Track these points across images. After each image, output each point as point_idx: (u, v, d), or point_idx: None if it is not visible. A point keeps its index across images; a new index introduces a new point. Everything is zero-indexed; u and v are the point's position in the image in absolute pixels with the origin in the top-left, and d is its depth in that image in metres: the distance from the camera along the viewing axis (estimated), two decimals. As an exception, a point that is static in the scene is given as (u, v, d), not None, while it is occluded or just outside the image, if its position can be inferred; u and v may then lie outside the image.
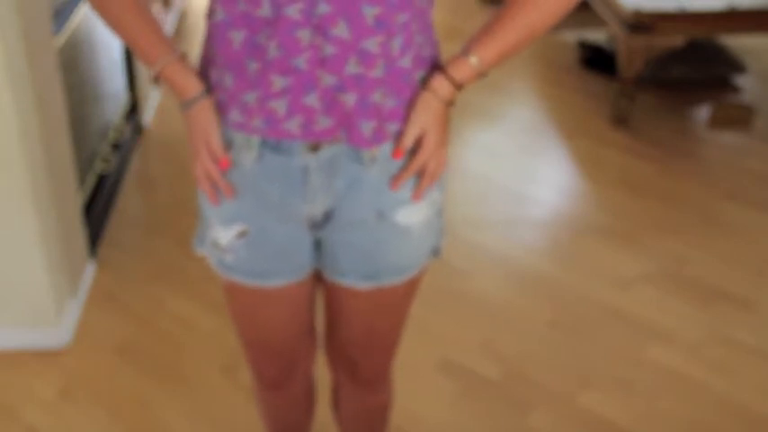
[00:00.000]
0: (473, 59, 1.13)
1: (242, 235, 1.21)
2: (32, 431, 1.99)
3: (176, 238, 2.70)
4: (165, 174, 3.13)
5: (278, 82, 1.08)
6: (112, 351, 2.24)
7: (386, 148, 1.15)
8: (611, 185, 3.13)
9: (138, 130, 3.30)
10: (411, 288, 1.32)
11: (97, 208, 2.67)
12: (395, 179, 1.17)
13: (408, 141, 1.14)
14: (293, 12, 1.04)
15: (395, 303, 1.32)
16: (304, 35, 1.05)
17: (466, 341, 2.30)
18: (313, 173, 1.14)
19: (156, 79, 1.19)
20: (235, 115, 1.13)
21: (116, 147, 2.96)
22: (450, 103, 1.15)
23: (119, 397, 2.09)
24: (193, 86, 1.16)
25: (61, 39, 2.37)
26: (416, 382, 2.12)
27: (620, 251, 2.73)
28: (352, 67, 1.07)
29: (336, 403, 1.62)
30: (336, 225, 1.20)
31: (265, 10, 1.05)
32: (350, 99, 1.09)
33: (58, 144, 2.21)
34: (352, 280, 1.25)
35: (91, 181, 2.67)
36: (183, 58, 1.17)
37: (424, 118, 1.14)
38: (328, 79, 1.08)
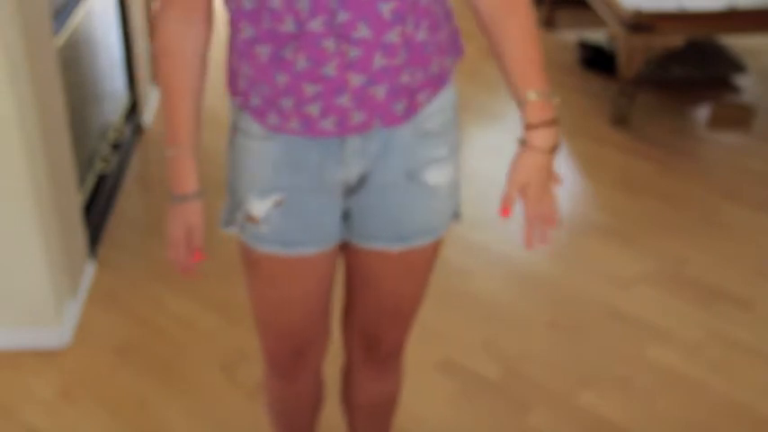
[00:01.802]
0: (531, 95, 1.20)
1: (278, 204, 1.25)
2: (32, 431, 2.00)
3: (176, 238, 2.70)
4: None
5: (309, 89, 1.13)
6: (112, 351, 2.24)
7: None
8: (611, 185, 3.13)
9: (138, 130, 3.30)
10: (435, 251, 1.37)
11: (97, 208, 2.67)
12: (527, 239, 1.31)
13: (510, 200, 1.25)
14: (316, 25, 1.09)
15: (423, 265, 1.37)
16: (329, 44, 1.10)
17: (466, 341, 2.30)
18: (350, 138, 1.19)
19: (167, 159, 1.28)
20: (272, 119, 1.18)
21: (116, 147, 2.96)
22: (551, 150, 1.22)
23: (119, 397, 2.09)
24: (194, 184, 1.27)
25: (61, 39, 2.37)
26: (417, 382, 2.11)
27: (620, 251, 2.73)
28: (378, 61, 1.12)
29: (347, 393, 1.62)
30: (370, 189, 1.25)
31: (289, 25, 1.10)
32: (380, 90, 1.15)
33: (58, 144, 2.21)
34: (384, 243, 1.30)
35: (91, 181, 2.67)
36: (196, 152, 1.26)
37: (521, 173, 1.23)
38: (357, 79, 1.13)
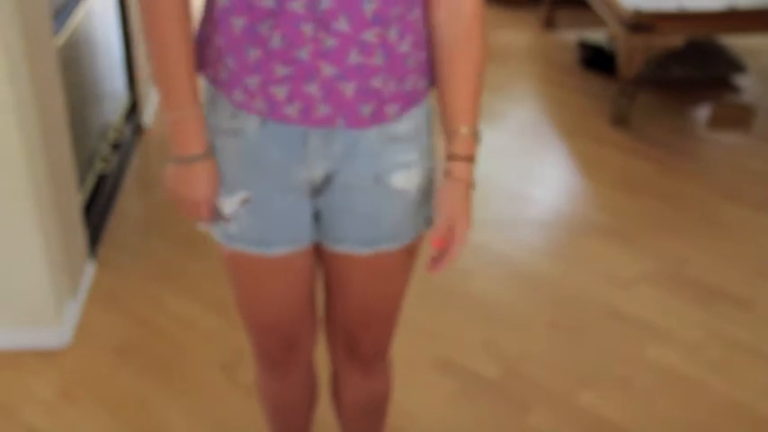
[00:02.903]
0: (463, 129, 1.21)
1: (245, 202, 1.25)
2: (32, 431, 2.00)
3: (176, 238, 2.70)
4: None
5: (280, 70, 1.13)
6: (112, 351, 2.24)
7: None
8: (611, 185, 3.13)
9: (138, 130, 3.30)
10: (408, 257, 1.35)
11: (97, 208, 2.67)
12: (432, 265, 1.24)
13: (441, 231, 1.22)
14: (297, 6, 1.09)
15: (393, 271, 1.36)
16: (307, 28, 1.10)
17: (466, 341, 2.30)
18: (312, 137, 1.19)
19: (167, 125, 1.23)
20: (238, 95, 1.18)
21: (116, 147, 2.96)
22: (470, 185, 1.23)
23: (119, 397, 2.09)
24: (202, 143, 1.21)
25: (61, 39, 2.37)
26: (416, 382, 2.12)
27: (620, 251, 2.73)
28: (353, 58, 1.12)
29: (336, 393, 1.62)
30: (335, 189, 1.24)
31: (268, 1, 1.09)
32: (349, 88, 1.14)
33: (58, 144, 2.21)
34: (351, 246, 1.29)
35: (91, 181, 2.67)
36: (201, 111, 1.21)
37: (448, 204, 1.22)
38: (329, 70, 1.12)
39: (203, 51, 1.21)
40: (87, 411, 2.05)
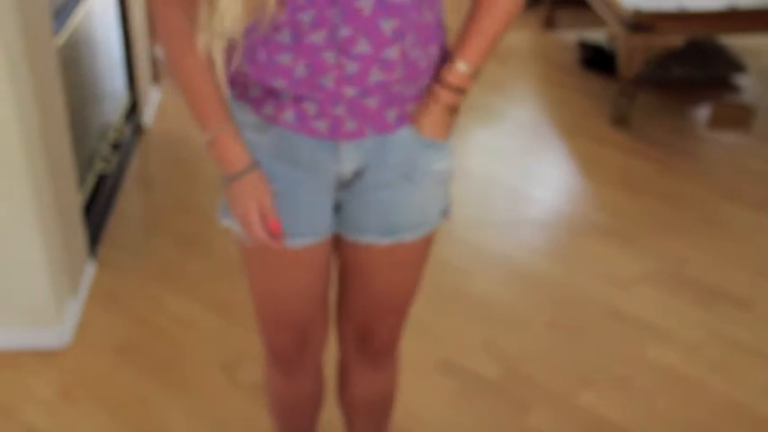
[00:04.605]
0: (460, 65, 1.22)
1: (273, 196, 1.26)
2: (32, 431, 2.00)
3: (176, 238, 2.70)
4: (165, 174, 3.13)
5: (307, 100, 1.16)
6: (112, 351, 2.24)
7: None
8: (611, 185, 3.13)
9: (138, 130, 3.30)
10: (425, 246, 1.38)
11: (97, 208, 2.67)
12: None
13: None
14: (317, 38, 1.11)
15: (413, 261, 1.39)
16: (329, 56, 1.12)
17: (466, 341, 2.30)
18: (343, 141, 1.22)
19: (208, 147, 1.23)
20: (268, 109, 1.20)
21: (116, 147, 2.96)
22: (451, 109, 1.24)
23: (119, 397, 2.09)
24: (245, 158, 1.22)
25: (61, 39, 2.37)
26: (416, 382, 2.12)
27: (620, 251, 2.73)
28: (374, 77, 1.15)
29: (344, 388, 1.63)
30: (364, 184, 1.26)
31: (285, 36, 1.12)
32: (373, 101, 1.18)
33: (58, 144, 2.21)
34: (373, 237, 1.32)
35: (91, 181, 2.67)
36: (235, 128, 1.22)
37: (423, 121, 1.24)
38: (353, 91, 1.15)
39: (232, 71, 1.22)
40: (87, 411, 2.05)
